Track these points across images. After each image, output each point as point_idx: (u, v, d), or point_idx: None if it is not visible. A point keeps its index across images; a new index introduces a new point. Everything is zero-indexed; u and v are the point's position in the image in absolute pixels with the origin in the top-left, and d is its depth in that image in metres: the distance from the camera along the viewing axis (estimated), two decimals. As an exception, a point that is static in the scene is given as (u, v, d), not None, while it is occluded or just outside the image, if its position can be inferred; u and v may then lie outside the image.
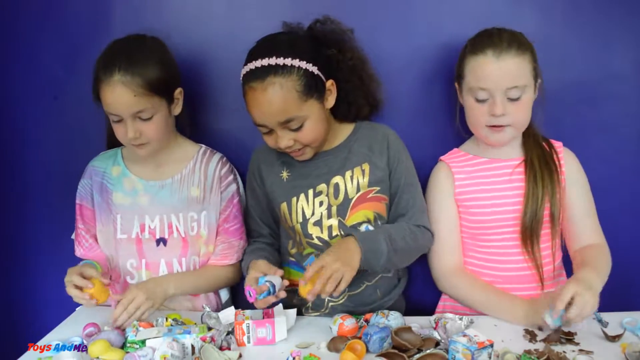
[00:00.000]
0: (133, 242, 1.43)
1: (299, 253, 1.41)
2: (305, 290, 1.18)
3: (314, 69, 1.26)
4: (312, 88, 1.25)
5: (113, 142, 1.48)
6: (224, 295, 1.55)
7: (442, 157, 1.47)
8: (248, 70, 1.25)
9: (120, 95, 1.28)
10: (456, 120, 1.49)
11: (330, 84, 1.31)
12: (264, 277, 1.22)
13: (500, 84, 1.30)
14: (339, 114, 1.39)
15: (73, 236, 1.49)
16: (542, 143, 1.42)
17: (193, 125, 1.53)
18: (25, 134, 1.65)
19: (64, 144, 1.60)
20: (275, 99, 1.21)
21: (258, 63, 1.23)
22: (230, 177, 1.48)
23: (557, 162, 1.40)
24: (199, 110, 1.56)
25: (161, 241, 1.43)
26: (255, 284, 1.22)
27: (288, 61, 1.22)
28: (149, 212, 1.43)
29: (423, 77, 1.53)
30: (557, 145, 1.44)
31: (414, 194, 1.39)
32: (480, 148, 1.45)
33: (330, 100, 1.33)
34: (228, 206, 1.46)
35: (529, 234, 1.36)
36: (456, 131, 1.50)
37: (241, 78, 1.27)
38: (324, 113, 1.31)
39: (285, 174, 1.40)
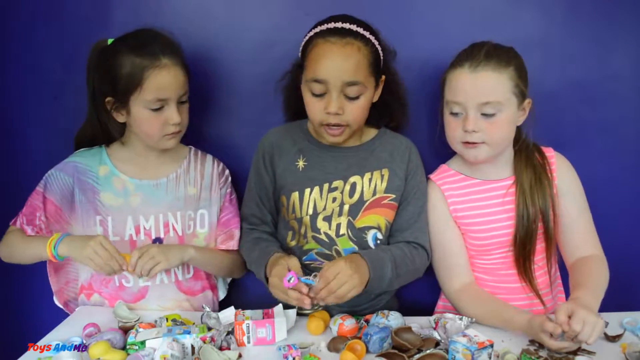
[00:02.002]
0: (127, 244, 1.41)
1: (299, 247, 1.40)
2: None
3: (381, 53, 1.32)
4: (376, 68, 1.30)
5: (80, 143, 1.46)
6: (222, 293, 1.57)
7: (431, 177, 1.44)
8: (326, 28, 1.27)
9: (175, 76, 1.32)
10: (437, 134, 1.47)
11: (382, 79, 1.34)
12: (303, 279, 1.20)
13: (473, 99, 1.28)
14: (370, 117, 1.39)
15: (17, 223, 1.41)
16: (534, 157, 1.39)
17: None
18: (25, 134, 1.65)
19: (63, 144, 1.60)
20: (351, 58, 1.24)
21: (339, 25, 1.27)
22: (227, 172, 1.51)
23: (549, 175, 1.38)
24: (195, 111, 1.56)
25: (157, 241, 1.42)
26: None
27: (367, 34, 1.28)
28: (143, 213, 1.42)
29: (423, 78, 1.53)
30: (549, 154, 1.41)
31: (419, 210, 1.39)
32: (470, 167, 1.42)
33: (376, 95, 1.34)
34: (226, 199, 1.49)
35: (521, 255, 1.36)
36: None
37: (311, 35, 1.29)
38: (370, 103, 1.33)
39: (301, 163, 1.39)
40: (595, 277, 1.29)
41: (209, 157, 1.51)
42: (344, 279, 1.17)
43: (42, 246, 1.32)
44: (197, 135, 1.55)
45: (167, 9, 1.56)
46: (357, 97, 1.27)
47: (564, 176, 1.39)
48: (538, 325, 1.15)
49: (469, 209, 1.39)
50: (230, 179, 1.52)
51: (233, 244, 1.47)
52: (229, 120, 1.61)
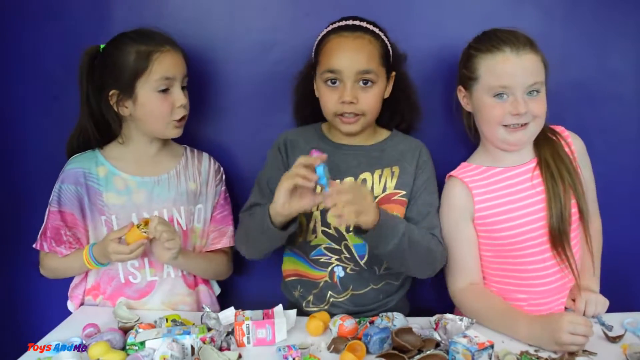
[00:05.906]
0: None
1: (306, 242, 1.40)
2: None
3: (390, 50, 1.37)
4: (386, 62, 1.35)
5: (72, 149, 1.47)
6: (216, 288, 1.57)
7: (453, 174, 1.41)
8: (337, 25, 1.34)
9: (178, 59, 1.40)
10: (466, 127, 1.46)
11: (392, 75, 1.38)
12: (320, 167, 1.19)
13: (522, 81, 1.28)
14: (381, 118, 1.42)
15: (40, 246, 1.44)
16: (550, 136, 1.39)
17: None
18: (26, 134, 1.65)
19: (64, 144, 1.60)
20: (364, 48, 1.31)
21: (350, 22, 1.34)
22: (222, 171, 1.55)
23: (567, 150, 1.37)
24: (193, 111, 1.56)
25: None
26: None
27: (377, 30, 1.35)
28: (147, 209, 1.43)
29: (423, 78, 1.52)
30: (561, 131, 1.41)
31: (429, 205, 1.38)
32: (493, 158, 1.39)
33: (387, 91, 1.38)
34: (221, 197, 1.52)
35: (557, 237, 1.30)
36: (460, 135, 1.50)
37: (323, 34, 1.34)
38: (382, 95, 1.36)
39: None
40: (595, 257, 1.40)
41: (205, 155, 1.54)
42: (364, 202, 1.17)
43: (81, 262, 1.40)
44: (193, 135, 1.55)
45: (166, 9, 1.56)
46: (370, 86, 1.31)
47: (580, 151, 1.40)
48: (559, 322, 1.15)
49: (497, 198, 1.35)
50: (224, 177, 1.54)
51: (225, 242, 1.50)
52: (227, 121, 1.61)
